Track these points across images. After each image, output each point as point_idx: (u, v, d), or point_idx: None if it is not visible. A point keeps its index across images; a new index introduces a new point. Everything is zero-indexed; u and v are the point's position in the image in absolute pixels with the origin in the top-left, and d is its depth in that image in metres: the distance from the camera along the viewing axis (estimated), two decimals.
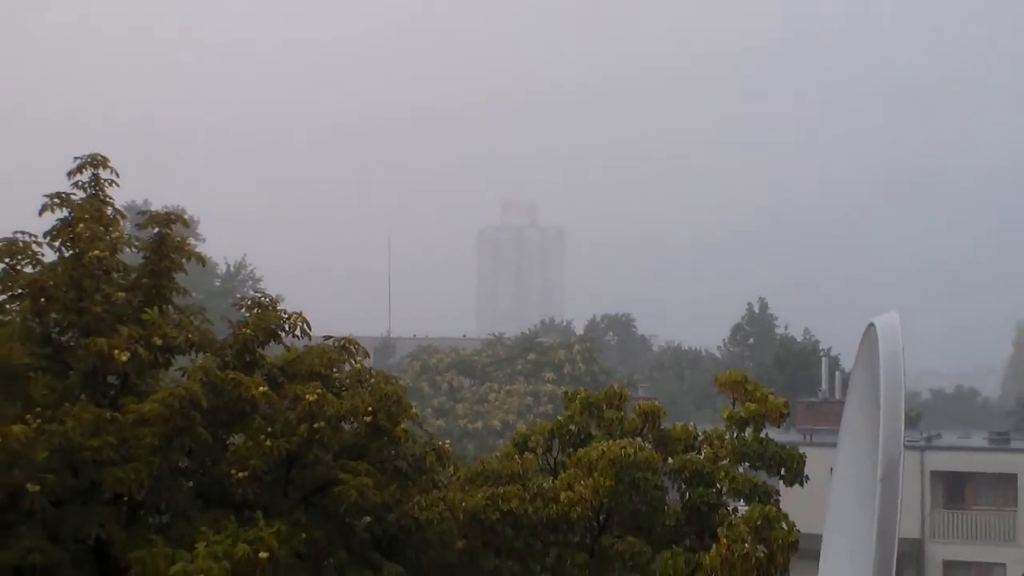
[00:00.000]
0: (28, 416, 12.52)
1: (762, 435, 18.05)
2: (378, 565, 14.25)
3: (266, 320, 14.63)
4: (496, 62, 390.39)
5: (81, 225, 13.88)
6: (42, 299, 13.79)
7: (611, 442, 16.73)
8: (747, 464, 17.90)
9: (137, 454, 12.65)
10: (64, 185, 14.25)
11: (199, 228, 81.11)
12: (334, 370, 14.94)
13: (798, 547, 15.86)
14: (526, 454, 17.54)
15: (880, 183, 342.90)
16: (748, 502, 16.80)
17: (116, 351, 12.99)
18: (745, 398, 18.27)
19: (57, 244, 14.02)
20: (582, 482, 16.02)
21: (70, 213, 14.06)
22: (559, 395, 26.21)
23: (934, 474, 46.43)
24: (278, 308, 15.04)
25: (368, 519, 14.91)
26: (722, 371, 20.19)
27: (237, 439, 14.02)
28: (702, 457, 17.74)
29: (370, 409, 14.23)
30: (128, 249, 14.74)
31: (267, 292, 16.10)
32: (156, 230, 14.63)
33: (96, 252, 13.73)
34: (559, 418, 18.75)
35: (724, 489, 17.20)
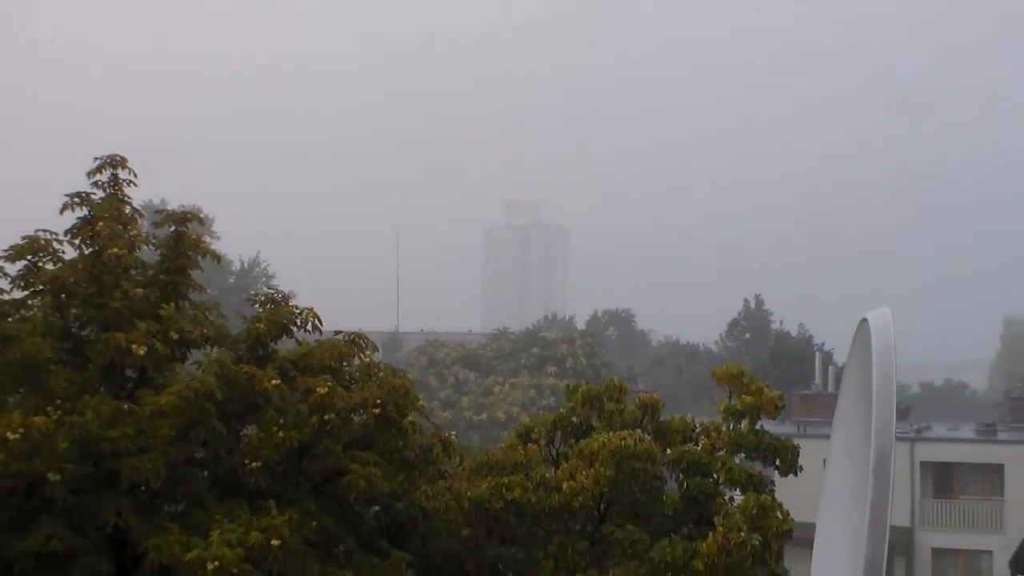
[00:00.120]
0: (49, 408, 12.54)
1: (757, 427, 18.04)
2: (386, 552, 14.25)
3: (278, 316, 14.64)
4: (501, 69, 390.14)
5: (101, 223, 13.89)
6: (63, 295, 13.82)
7: (611, 434, 16.72)
8: (743, 455, 17.89)
9: (154, 445, 12.66)
10: (83, 185, 14.28)
11: (214, 227, 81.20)
12: (344, 364, 14.95)
13: (792, 535, 15.86)
14: (529, 445, 17.54)
15: (875, 185, 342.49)
16: (744, 492, 16.79)
17: (134, 345, 13.01)
18: (741, 391, 18.26)
19: (77, 242, 14.04)
20: (583, 472, 16.02)
21: (90, 212, 14.08)
22: (561, 388, 26.22)
23: (924, 464, 46.44)
24: (290, 304, 15.05)
25: (376, 508, 14.91)
26: (719, 365, 20.16)
27: (250, 430, 14.03)
28: (699, 448, 17.74)
29: (379, 401, 14.24)
30: (146, 247, 14.76)
31: (279, 289, 16.12)
32: (173, 228, 14.64)
33: (115, 250, 13.75)
34: (561, 410, 18.74)
35: (721, 479, 17.19)
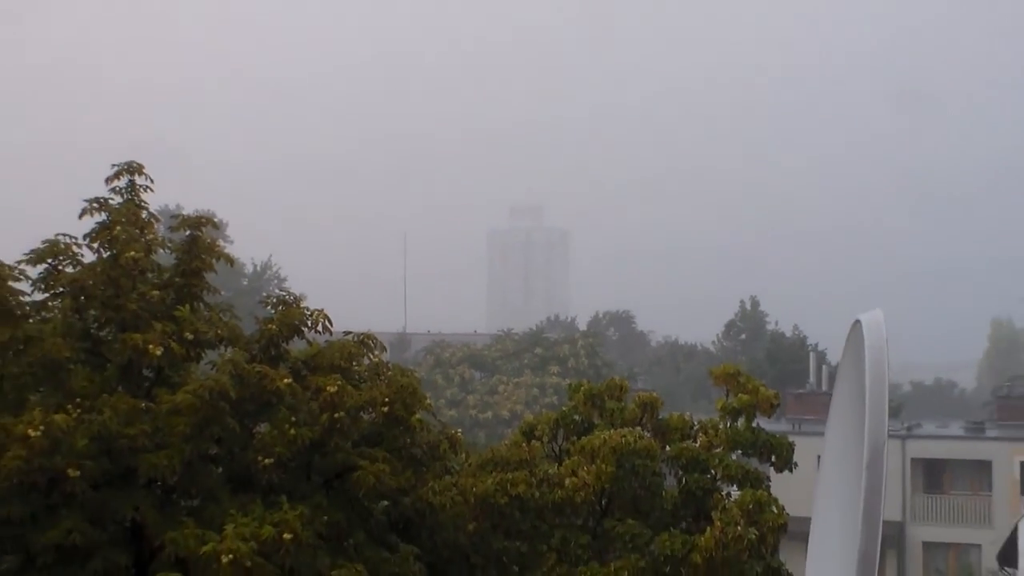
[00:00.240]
0: (69, 406, 12.55)
1: (754, 424, 18.03)
2: (394, 546, 14.26)
3: (290, 317, 14.65)
4: (506, 80, 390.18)
5: (118, 228, 13.91)
6: (82, 297, 13.84)
7: (612, 431, 16.71)
8: (740, 452, 17.88)
9: (170, 442, 12.67)
10: (101, 190, 14.32)
11: (228, 231, 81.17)
12: (354, 363, 14.95)
13: (787, 529, 15.85)
14: (533, 442, 17.54)
15: (868, 188, 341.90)
16: (740, 487, 16.78)
17: (151, 345, 13.02)
18: (738, 390, 18.24)
19: (96, 246, 14.06)
20: (585, 468, 16.01)
21: (108, 217, 14.10)
22: (564, 387, 26.25)
23: (914, 461, 46.43)
24: (301, 306, 15.05)
25: (385, 503, 14.91)
26: (716, 365, 20.15)
27: (263, 428, 14.03)
28: (697, 445, 17.72)
29: (387, 400, 14.24)
30: (162, 250, 14.77)
31: (291, 291, 16.11)
32: (188, 232, 14.66)
33: (132, 253, 13.77)
34: (564, 408, 18.73)
35: (718, 475, 17.17)
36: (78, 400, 12.73)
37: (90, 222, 14.12)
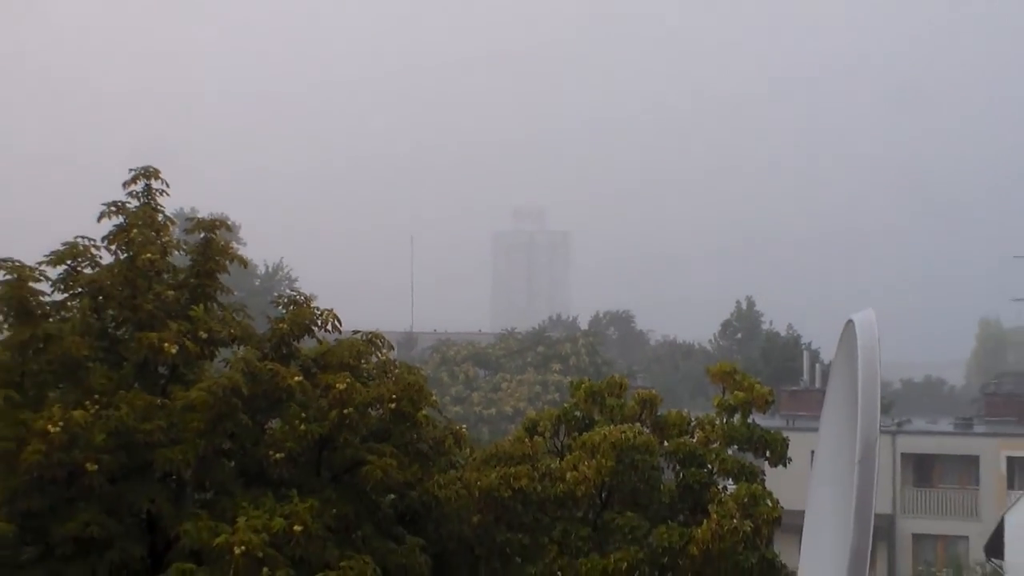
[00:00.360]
0: (87, 402, 12.55)
1: (749, 421, 18.01)
2: (401, 537, 14.24)
3: (301, 316, 14.64)
4: (510, 88, 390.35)
5: (135, 230, 13.92)
6: (100, 297, 13.84)
7: (612, 427, 16.70)
8: (736, 447, 17.86)
9: (184, 437, 12.67)
10: (114, 195, 14.35)
11: (241, 233, 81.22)
12: (362, 361, 14.94)
13: (781, 522, 15.84)
14: (535, 438, 17.52)
15: (863, 188, 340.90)
16: (736, 481, 16.77)
17: (166, 344, 13.02)
18: (734, 387, 18.23)
19: (113, 248, 14.07)
20: (586, 463, 16.00)
21: (125, 220, 14.11)
22: (565, 384, 26.22)
23: (905, 456, 46.43)
24: (312, 305, 15.04)
25: (392, 496, 14.90)
26: (713, 363, 20.14)
27: (274, 424, 14.02)
28: (695, 440, 17.70)
29: (394, 397, 14.22)
30: (177, 252, 14.77)
31: (302, 291, 16.10)
32: (202, 235, 14.65)
33: (148, 255, 13.77)
34: (565, 405, 18.72)
35: (715, 469, 17.16)
36: (96, 397, 12.73)
37: (108, 225, 14.15)
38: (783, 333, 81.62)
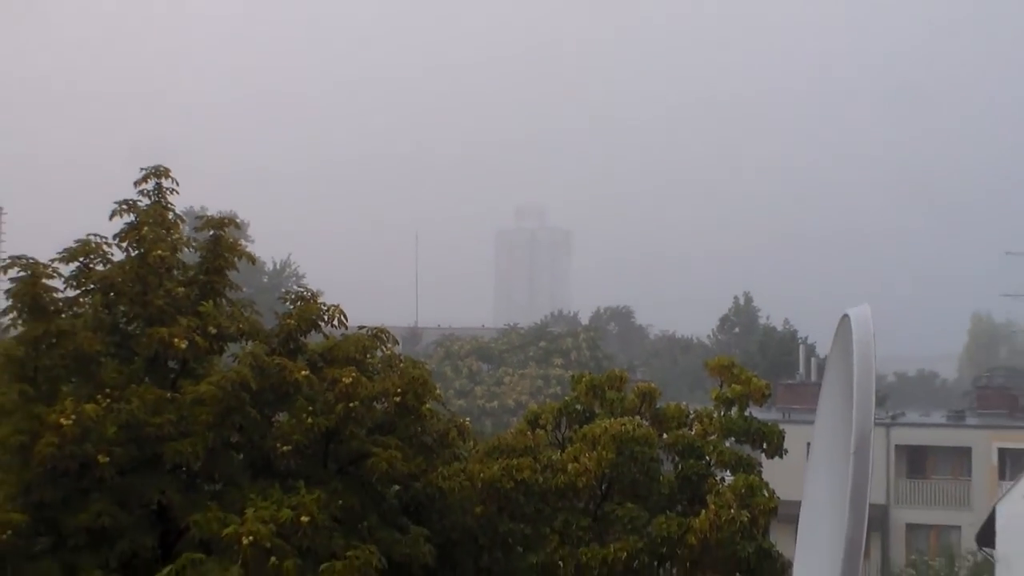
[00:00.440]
0: (99, 396, 12.56)
1: (746, 413, 17.99)
2: (406, 528, 14.24)
3: (308, 312, 14.64)
4: (512, 90, 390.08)
5: (146, 228, 13.92)
6: (111, 293, 13.84)
7: (612, 420, 16.69)
8: (733, 439, 17.85)
9: (194, 430, 12.67)
10: (119, 195, 14.36)
11: (249, 231, 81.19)
12: (367, 356, 14.94)
13: (778, 512, 15.83)
14: (537, 430, 17.52)
15: (857, 186, 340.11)
16: (734, 472, 16.75)
17: (176, 339, 13.02)
18: (731, 380, 18.21)
19: (125, 245, 14.07)
20: (587, 455, 16.00)
21: (136, 218, 14.11)
22: (567, 378, 26.19)
23: (898, 447, 46.41)
24: (318, 301, 15.05)
25: (397, 487, 14.91)
26: (711, 357, 20.12)
27: (282, 417, 14.03)
28: (693, 433, 17.69)
29: (399, 390, 14.23)
30: (187, 249, 14.77)
31: (309, 288, 16.12)
32: (211, 232, 14.65)
33: (159, 252, 13.77)
34: (566, 398, 18.71)
35: (712, 461, 17.15)
36: (108, 391, 12.74)
37: (119, 223, 14.15)
38: (780, 328, 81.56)
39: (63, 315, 13.56)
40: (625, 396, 18.20)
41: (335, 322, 14.83)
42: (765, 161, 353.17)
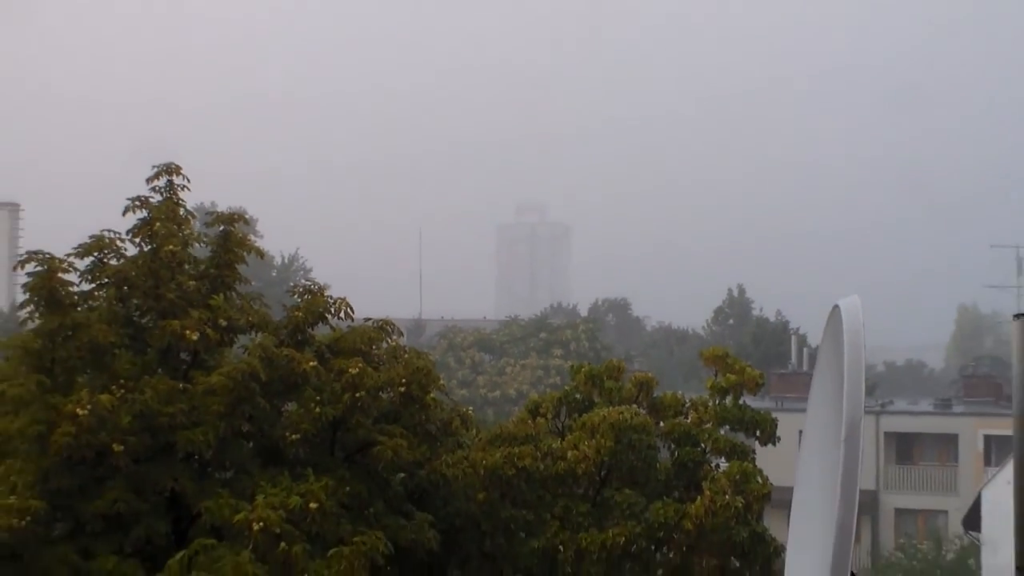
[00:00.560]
0: (113, 387, 12.57)
1: (740, 402, 17.97)
2: (411, 514, 14.26)
3: (315, 305, 14.64)
4: (513, 89, 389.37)
5: (158, 224, 13.92)
6: (125, 287, 13.84)
7: (611, 408, 16.67)
8: (727, 427, 17.82)
9: (206, 419, 12.68)
10: (127, 193, 14.38)
11: (258, 226, 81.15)
12: (373, 347, 14.94)
13: (771, 497, 15.81)
14: (538, 419, 17.50)
15: (847, 180, 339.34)
16: (728, 459, 16.74)
17: (188, 331, 13.03)
18: (726, 370, 18.19)
19: (138, 240, 14.07)
20: (586, 443, 15.99)
21: (148, 214, 14.11)
22: (566, 368, 26.18)
23: (888, 435, 46.46)
24: (325, 294, 15.04)
25: (402, 475, 14.91)
26: (706, 348, 20.08)
27: (290, 406, 14.04)
28: (689, 421, 17.68)
29: (404, 381, 14.23)
30: (198, 244, 14.77)
31: (316, 281, 16.09)
32: (222, 228, 14.65)
33: (171, 247, 13.77)
34: (566, 388, 18.69)
35: (708, 448, 17.14)
36: (122, 381, 12.75)
37: (132, 219, 14.16)
38: (772, 319, 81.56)
39: (78, 308, 13.56)
40: (623, 386, 18.18)
41: (342, 314, 14.82)
42: (760, 159, 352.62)
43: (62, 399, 12.29)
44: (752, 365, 19.02)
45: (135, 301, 13.99)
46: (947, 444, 46.67)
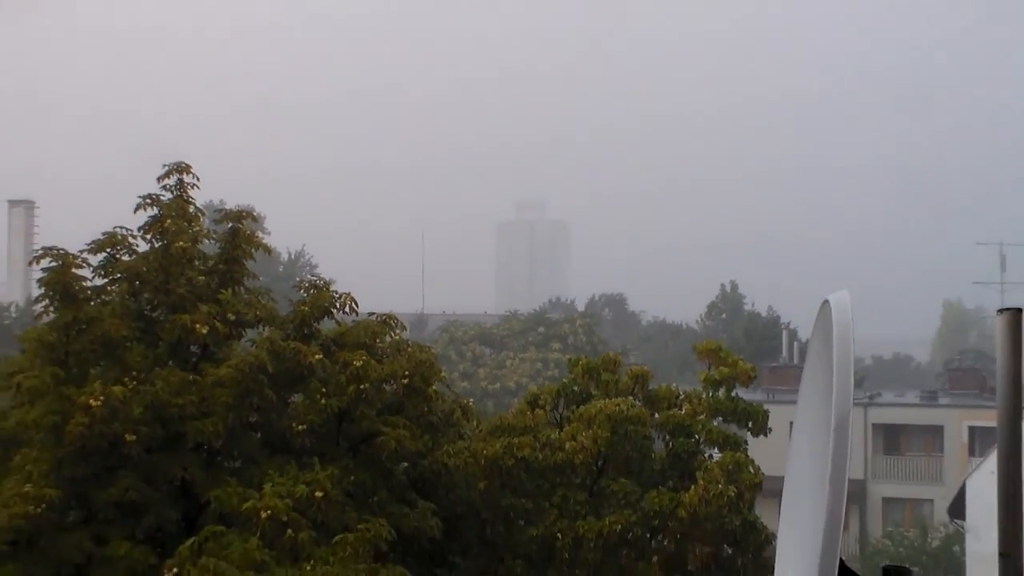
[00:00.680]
0: (126, 379, 12.58)
1: (733, 394, 17.98)
2: (413, 502, 14.27)
3: (321, 300, 14.64)
4: (515, 88, 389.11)
5: (168, 221, 13.92)
6: (137, 282, 13.85)
7: (607, 400, 16.68)
8: (720, 418, 17.83)
9: (215, 410, 12.69)
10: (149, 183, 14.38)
11: (265, 223, 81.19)
12: (377, 341, 14.94)
13: (762, 487, 15.83)
14: (537, 411, 17.51)
15: (845, 182, 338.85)
16: (721, 450, 16.75)
17: (197, 325, 13.03)
18: (719, 363, 18.20)
19: (149, 237, 14.08)
20: (583, 434, 16.00)
21: (159, 211, 14.11)
22: (564, 362, 26.20)
23: (875, 426, 46.44)
24: (330, 290, 15.04)
25: (405, 464, 14.92)
26: (700, 342, 20.08)
27: (297, 398, 14.04)
28: (683, 413, 17.68)
29: (407, 373, 14.23)
30: (207, 241, 14.77)
31: (322, 277, 16.10)
32: (230, 225, 14.65)
33: (181, 243, 13.77)
34: (564, 380, 18.70)
35: (701, 439, 17.14)
36: (134, 374, 12.76)
37: (143, 216, 14.16)
38: (764, 314, 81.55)
39: (92, 302, 13.57)
40: (619, 378, 18.18)
41: (346, 309, 14.83)
42: (753, 160, 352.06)
43: (76, 390, 12.30)
44: (744, 358, 19.03)
45: (146, 296, 14.00)
46: (933, 435, 46.67)
